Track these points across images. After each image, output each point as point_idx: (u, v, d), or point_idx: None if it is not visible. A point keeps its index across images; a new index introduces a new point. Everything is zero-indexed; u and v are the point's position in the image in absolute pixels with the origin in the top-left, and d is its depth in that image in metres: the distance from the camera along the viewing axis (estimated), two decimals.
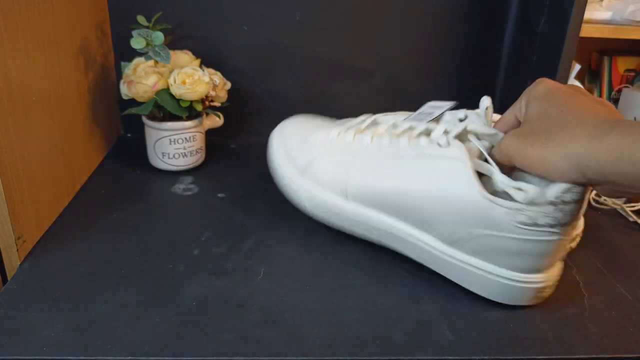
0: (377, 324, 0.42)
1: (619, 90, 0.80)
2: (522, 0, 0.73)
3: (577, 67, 0.62)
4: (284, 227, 0.55)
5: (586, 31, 0.61)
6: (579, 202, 0.39)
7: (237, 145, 0.78)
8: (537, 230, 0.40)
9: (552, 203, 0.39)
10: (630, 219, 0.61)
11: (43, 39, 0.51)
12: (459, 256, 0.45)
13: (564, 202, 0.38)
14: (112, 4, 0.71)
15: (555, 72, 0.62)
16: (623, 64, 0.80)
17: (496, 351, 0.39)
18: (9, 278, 0.46)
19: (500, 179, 0.41)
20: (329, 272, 0.48)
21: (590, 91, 0.83)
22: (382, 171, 0.48)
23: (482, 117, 0.46)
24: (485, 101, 0.46)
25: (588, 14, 0.62)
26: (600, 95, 0.82)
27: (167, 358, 0.37)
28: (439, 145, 0.44)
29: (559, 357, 0.39)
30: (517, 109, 0.42)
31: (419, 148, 0.46)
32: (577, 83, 0.63)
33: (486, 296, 0.45)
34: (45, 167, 0.52)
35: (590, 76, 0.83)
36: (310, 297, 0.44)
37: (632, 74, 0.80)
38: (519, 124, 0.43)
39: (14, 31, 0.46)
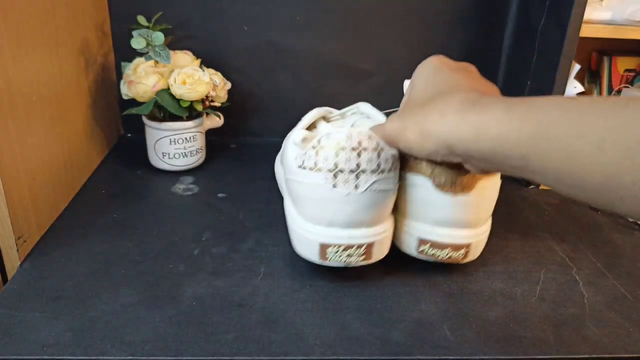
0: (377, 324, 0.42)
1: (619, 90, 0.80)
2: (522, 0, 0.73)
3: (577, 67, 0.62)
4: (284, 227, 0.55)
5: (586, 31, 0.61)
6: (329, 148, 0.40)
7: (237, 145, 0.78)
8: (305, 172, 0.42)
9: (313, 147, 0.41)
10: (630, 219, 0.61)
11: (43, 39, 0.51)
12: (288, 202, 0.49)
13: (315, 146, 0.41)
14: (112, 4, 0.71)
15: (555, 72, 0.62)
16: (623, 64, 0.80)
17: (496, 351, 0.39)
18: (9, 278, 0.46)
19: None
20: (329, 272, 0.48)
21: (590, 91, 0.83)
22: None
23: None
24: (406, 83, 0.50)
25: (588, 14, 0.62)
26: (600, 95, 0.82)
27: (167, 358, 0.37)
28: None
29: (559, 357, 0.39)
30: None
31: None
32: (577, 83, 0.62)
33: (293, 246, 0.47)
34: (45, 167, 0.52)
35: (590, 76, 0.83)
36: (310, 297, 0.44)
37: (632, 74, 0.80)
38: None
39: (14, 31, 0.46)
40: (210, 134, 0.71)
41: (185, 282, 0.45)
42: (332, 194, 0.41)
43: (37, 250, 0.49)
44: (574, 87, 0.63)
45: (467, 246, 0.45)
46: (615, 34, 0.64)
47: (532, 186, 0.69)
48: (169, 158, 0.65)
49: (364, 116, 0.49)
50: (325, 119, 0.51)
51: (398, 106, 0.65)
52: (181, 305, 0.42)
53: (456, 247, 0.45)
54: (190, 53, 0.67)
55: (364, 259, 0.44)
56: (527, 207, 0.63)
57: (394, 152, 0.42)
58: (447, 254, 0.45)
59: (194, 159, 0.67)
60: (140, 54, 0.62)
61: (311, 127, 0.49)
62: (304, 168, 0.42)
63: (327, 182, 0.41)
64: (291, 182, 0.44)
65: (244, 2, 0.72)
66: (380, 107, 0.78)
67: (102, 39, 0.69)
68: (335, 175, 0.40)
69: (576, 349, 0.39)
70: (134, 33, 0.61)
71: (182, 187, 0.64)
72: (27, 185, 0.48)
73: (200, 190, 0.63)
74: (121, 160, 0.70)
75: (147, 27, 0.62)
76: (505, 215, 0.60)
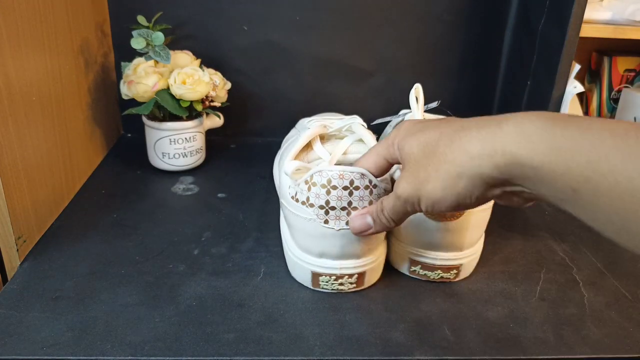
0: (377, 324, 0.42)
1: (619, 90, 0.80)
2: (522, 0, 0.73)
3: (577, 67, 0.62)
4: None
5: (586, 31, 0.61)
6: (325, 186, 0.40)
7: (237, 145, 0.78)
8: (298, 205, 0.42)
9: (305, 182, 0.41)
10: None
11: (43, 39, 0.51)
12: (283, 222, 0.49)
13: (310, 183, 0.41)
14: (112, 4, 0.71)
15: (555, 72, 0.62)
16: (623, 64, 0.80)
17: (496, 351, 0.39)
18: (9, 278, 0.46)
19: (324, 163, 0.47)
20: None
21: (591, 91, 0.83)
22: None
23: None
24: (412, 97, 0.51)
25: (588, 14, 0.62)
26: (600, 95, 0.82)
27: (167, 358, 0.37)
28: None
29: (559, 357, 0.39)
30: (387, 152, 0.38)
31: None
32: (577, 83, 0.62)
33: (289, 271, 0.47)
34: (45, 167, 0.52)
35: (590, 76, 0.83)
36: (310, 297, 0.44)
37: (632, 74, 0.80)
38: (389, 166, 0.40)
39: (14, 31, 0.46)
40: (210, 134, 0.71)
41: (185, 282, 0.45)
42: (324, 230, 0.41)
43: (37, 250, 0.49)
44: (574, 87, 0.62)
45: (458, 267, 0.47)
46: (615, 34, 0.64)
47: None
48: (169, 158, 0.65)
49: (356, 137, 0.49)
50: (321, 135, 0.51)
51: (397, 105, 0.65)
52: (181, 305, 0.42)
53: (446, 269, 0.46)
54: (190, 53, 0.67)
55: (356, 287, 0.45)
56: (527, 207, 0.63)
57: (386, 186, 0.42)
58: (439, 275, 0.47)
59: (194, 159, 0.67)
60: (140, 54, 0.62)
61: (307, 145, 0.49)
62: (297, 201, 0.42)
63: (318, 218, 0.41)
64: (285, 209, 0.45)
65: (244, 2, 0.72)
66: (380, 107, 0.79)
67: (102, 39, 0.69)
68: (326, 212, 0.41)
69: (576, 349, 0.39)
70: (134, 33, 0.61)
71: (182, 187, 0.64)
72: (27, 185, 0.48)
73: (200, 190, 0.63)
74: (121, 160, 0.70)
75: (147, 27, 0.62)
76: (505, 215, 0.60)
